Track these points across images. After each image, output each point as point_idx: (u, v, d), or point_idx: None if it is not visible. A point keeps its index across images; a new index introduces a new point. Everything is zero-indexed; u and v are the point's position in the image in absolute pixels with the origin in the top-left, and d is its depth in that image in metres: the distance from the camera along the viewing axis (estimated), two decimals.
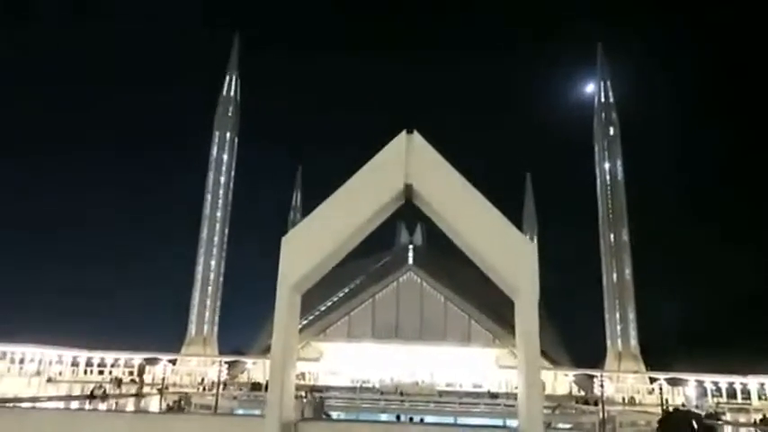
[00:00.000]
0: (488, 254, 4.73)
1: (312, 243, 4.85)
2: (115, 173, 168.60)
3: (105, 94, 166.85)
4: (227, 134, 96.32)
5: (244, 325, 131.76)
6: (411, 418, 25.48)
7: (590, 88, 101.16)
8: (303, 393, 32.43)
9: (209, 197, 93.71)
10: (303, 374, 78.54)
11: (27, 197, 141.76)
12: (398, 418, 27.72)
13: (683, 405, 13.31)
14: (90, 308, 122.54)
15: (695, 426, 9.54)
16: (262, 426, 4.47)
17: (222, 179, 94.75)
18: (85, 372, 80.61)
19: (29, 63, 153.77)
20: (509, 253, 4.67)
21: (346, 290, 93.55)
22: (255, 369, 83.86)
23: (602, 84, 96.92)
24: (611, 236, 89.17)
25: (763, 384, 73.92)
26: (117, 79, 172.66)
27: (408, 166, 4.92)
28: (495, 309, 79.80)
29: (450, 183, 4.92)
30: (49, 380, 71.73)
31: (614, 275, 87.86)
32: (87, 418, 5.76)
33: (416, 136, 5.00)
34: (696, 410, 53.72)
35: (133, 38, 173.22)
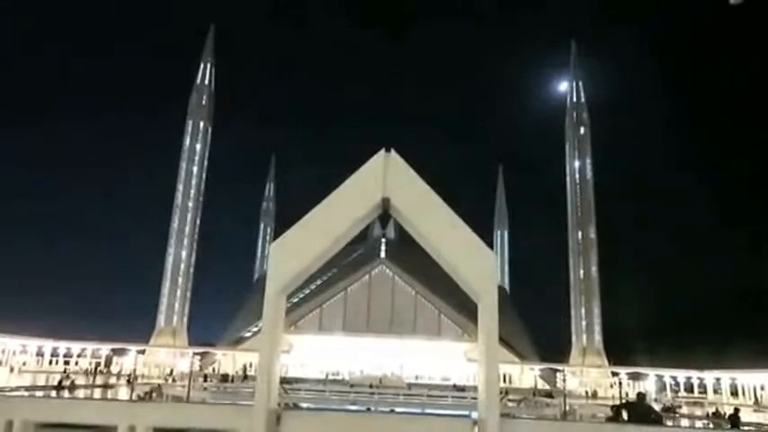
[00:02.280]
0: (455, 261, 5.34)
1: (298, 249, 5.37)
2: (84, 155, 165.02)
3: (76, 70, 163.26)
4: (201, 123, 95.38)
5: (214, 317, 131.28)
6: (369, 409, 26.16)
7: (563, 86, 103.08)
8: None
9: (180, 187, 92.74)
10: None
11: None
12: (368, 410, 28.38)
13: (642, 396, 14.06)
14: (56, 297, 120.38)
15: (647, 415, 10.38)
16: (251, 412, 5.02)
17: (195, 169, 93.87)
18: (51, 362, 79.35)
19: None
20: (473, 261, 5.28)
21: (318, 282, 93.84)
22: (225, 361, 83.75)
23: (574, 83, 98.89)
24: (579, 233, 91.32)
25: (718, 379, 76.85)
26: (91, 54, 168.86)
27: (386, 180, 5.48)
28: (464, 304, 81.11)
29: (422, 197, 5.51)
30: (12, 370, 70.46)
31: (581, 272, 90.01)
32: (87, 405, 6.18)
33: (393, 154, 5.60)
34: (655, 403, 55.84)
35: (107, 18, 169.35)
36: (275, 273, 5.30)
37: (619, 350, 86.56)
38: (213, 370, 77.44)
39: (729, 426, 22.09)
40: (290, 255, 5.35)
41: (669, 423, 20.14)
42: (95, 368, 66.82)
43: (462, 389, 63.01)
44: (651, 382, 77.30)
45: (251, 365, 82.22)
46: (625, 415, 11.09)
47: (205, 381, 60.82)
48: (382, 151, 5.57)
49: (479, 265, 5.30)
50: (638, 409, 10.61)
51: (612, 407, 15.06)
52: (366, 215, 5.52)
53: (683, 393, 76.94)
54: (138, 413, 5.32)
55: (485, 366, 5.11)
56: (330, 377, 75.92)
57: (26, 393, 32.12)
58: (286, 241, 5.38)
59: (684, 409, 52.45)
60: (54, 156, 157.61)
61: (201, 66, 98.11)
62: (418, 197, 5.49)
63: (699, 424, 35.52)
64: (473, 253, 5.34)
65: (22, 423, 5.16)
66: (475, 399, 5.44)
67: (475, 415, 5.28)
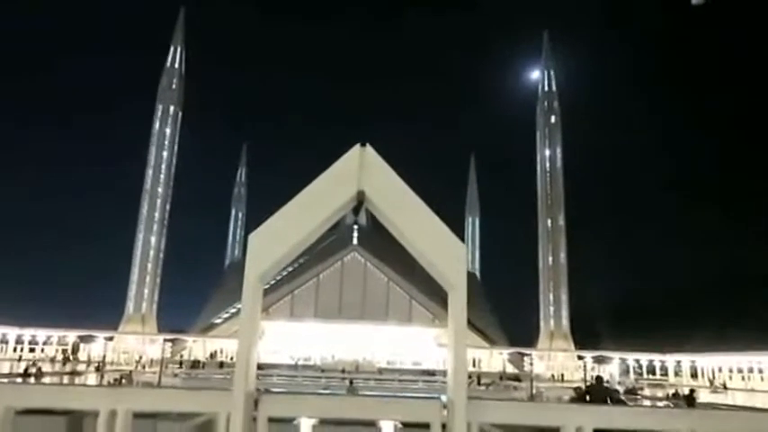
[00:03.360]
0: (426, 252, 5.59)
1: (276, 239, 5.56)
2: (51, 141, 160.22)
3: (42, 58, 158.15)
4: (171, 108, 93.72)
5: (184, 303, 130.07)
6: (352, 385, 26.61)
7: (535, 75, 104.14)
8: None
9: (150, 172, 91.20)
10: None
11: None
12: (350, 389, 28.89)
13: (600, 379, 14.61)
14: (21, 283, 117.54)
15: (604, 396, 10.96)
16: (230, 396, 5.23)
17: (165, 154, 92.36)
18: (15, 350, 77.74)
19: None
20: (444, 253, 5.54)
21: (290, 269, 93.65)
22: (196, 347, 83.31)
23: (545, 72, 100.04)
24: (549, 220, 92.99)
25: (679, 362, 79.69)
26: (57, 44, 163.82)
27: (361, 174, 5.69)
28: (435, 290, 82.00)
29: (396, 190, 5.74)
30: None
31: (550, 258, 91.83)
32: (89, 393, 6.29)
33: (368, 148, 5.81)
34: (618, 386, 57.64)
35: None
36: (253, 262, 5.48)
37: (586, 335, 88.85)
38: (181, 356, 76.99)
39: (686, 406, 23.16)
40: (267, 245, 5.53)
41: (630, 404, 21.03)
42: (65, 355, 65.80)
43: (433, 373, 64.07)
44: (615, 365, 79.66)
45: (221, 351, 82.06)
46: (588, 398, 11.68)
47: (180, 367, 60.67)
48: (357, 146, 5.77)
49: (450, 255, 5.57)
50: (596, 391, 11.19)
51: (575, 388, 15.73)
52: (341, 207, 5.73)
53: (645, 376, 79.49)
54: (119, 398, 5.46)
55: (453, 351, 5.41)
56: (302, 363, 76.33)
57: (6, 380, 31.61)
58: (264, 231, 5.56)
59: (647, 391, 54.27)
60: (17, 139, 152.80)
61: (171, 49, 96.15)
62: (392, 190, 5.71)
63: (660, 405, 36.90)
64: (444, 244, 5.59)
65: (5, 409, 5.26)
66: (445, 383, 5.74)
67: (444, 398, 5.58)
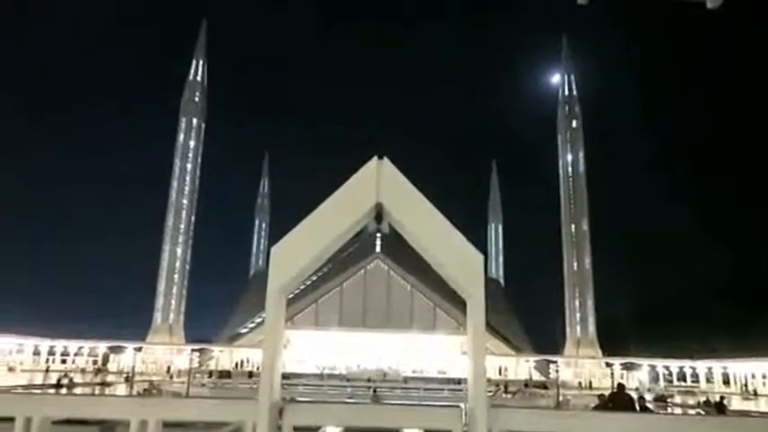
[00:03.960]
0: (445, 262, 5.69)
1: (298, 251, 5.71)
2: (76, 153, 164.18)
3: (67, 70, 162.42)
4: (194, 120, 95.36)
5: (209, 313, 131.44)
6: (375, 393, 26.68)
7: (556, 78, 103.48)
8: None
9: (175, 184, 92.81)
10: None
11: None
12: (374, 396, 28.99)
13: (622, 386, 14.35)
14: (53, 296, 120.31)
15: (625, 403, 10.87)
16: (256, 405, 5.39)
17: (189, 166, 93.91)
18: (47, 360, 79.51)
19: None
20: (462, 263, 5.63)
21: (314, 277, 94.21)
22: (222, 357, 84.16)
23: (566, 77, 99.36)
24: (573, 225, 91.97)
25: (710, 368, 77.85)
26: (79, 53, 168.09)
27: (379, 186, 5.83)
28: (459, 297, 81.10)
29: (413, 201, 5.86)
30: (11, 369, 70.63)
31: (575, 264, 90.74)
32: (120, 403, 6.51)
33: (386, 161, 5.95)
34: (648, 393, 56.61)
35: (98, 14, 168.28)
36: (276, 273, 5.65)
37: (613, 341, 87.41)
38: (207, 365, 77.87)
39: (716, 413, 22.67)
40: (289, 257, 5.70)
41: (660, 412, 20.71)
42: (96, 366, 67.35)
43: (459, 382, 63.63)
44: (644, 372, 78.21)
45: (247, 361, 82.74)
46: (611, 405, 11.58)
47: (210, 377, 61.53)
48: (375, 159, 5.93)
49: (468, 265, 5.66)
50: (618, 399, 11.11)
51: (599, 396, 15.56)
52: (360, 219, 5.88)
53: (676, 383, 77.88)
54: (149, 409, 5.65)
55: (473, 359, 5.49)
56: (327, 372, 76.50)
57: (38, 391, 32.38)
58: (286, 243, 5.72)
59: (678, 399, 53.22)
60: (47, 152, 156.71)
61: (194, 62, 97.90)
62: (409, 201, 5.84)
63: (691, 413, 36.15)
64: (462, 254, 5.69)
65: (41, 420, 5.48)
66: None
67: (465, 406, 5.66)
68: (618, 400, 11.57)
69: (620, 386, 12.79)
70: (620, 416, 7.67)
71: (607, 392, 29.67)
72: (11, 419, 5.55)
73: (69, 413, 6.00)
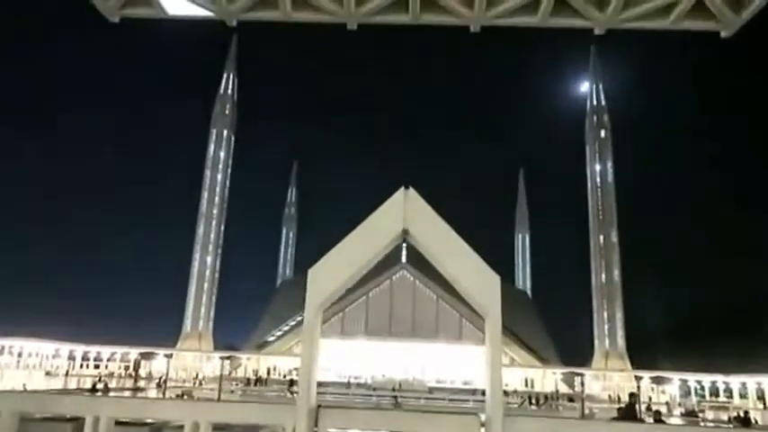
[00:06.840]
0: (465, 283, 6.31)
1: (331, 273, 6.39)
2: (106, 164, 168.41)
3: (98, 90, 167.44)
4: (225, 132, 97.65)
5: (238, 321, 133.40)
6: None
7: (584, 87, 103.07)
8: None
9: (205, 194, 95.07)
10: (297, 370, 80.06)
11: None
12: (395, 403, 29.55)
13: (631, 395, 14.50)
14: (85, 303, 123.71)
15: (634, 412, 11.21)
16: (294, 410, 6.07)
17: (219, 176, 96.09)
18: (81, 366, 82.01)
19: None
20: (480, 285, 6.24)
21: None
22: (251, 364, 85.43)
23: (594, 86, 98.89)
24: (601, 237, 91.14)
25: (744, 383, 76.08)
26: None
27: (405, 214, 6.50)
28: None
29: (436, 228, 6.50)
30: (48, 373, 73.01)
31: (603, 276, 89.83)
32: (159, 404, 7.24)
33: (411, 191, 6.62)
34: (678, 407, 55.68)
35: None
36: (313, 293, 6.34)
37: (643, 354, 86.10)
38: (236, 372, 79.20)
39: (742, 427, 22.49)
40: (324, 278, 6.39)
41: (680, 424, 20.67)
42: (135, 371, 69.68)
43: (484, 393, 63.38)
44: (675, 386, 76.74)
45: (275, 368, 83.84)
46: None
47: (247, 384, 63.19)
48: (402, 189, 6.61)
49: (486, 286, 6.27)
50: (629, 408, 11.47)
51: (618, 408, 15.82)
52: (388, 244, 6.55)
53: (708, 398, 76.26)
54: (201, 411, 6.37)
55: (490, 372, 6.07)
56: (353, 381, 77.02)
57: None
58: (321, 266, 6.43)
59: (710, 414, 52.28)
60: (79, 160, 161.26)
61: (225, 75, 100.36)
62: (432, 227, 6.50)
63: (709, 425, 35.58)
64: (480, 276, 6.31)
65: (107, 420, 6.24)
66: None
67: (483, 415, 6.24)
68: (626, 411, 11.91)
69: (632, 395, 13.11)
70: (635, 427, 8.11)
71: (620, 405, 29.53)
72: (78, 419, 6.31)
73: (133, 414, 6.75)
